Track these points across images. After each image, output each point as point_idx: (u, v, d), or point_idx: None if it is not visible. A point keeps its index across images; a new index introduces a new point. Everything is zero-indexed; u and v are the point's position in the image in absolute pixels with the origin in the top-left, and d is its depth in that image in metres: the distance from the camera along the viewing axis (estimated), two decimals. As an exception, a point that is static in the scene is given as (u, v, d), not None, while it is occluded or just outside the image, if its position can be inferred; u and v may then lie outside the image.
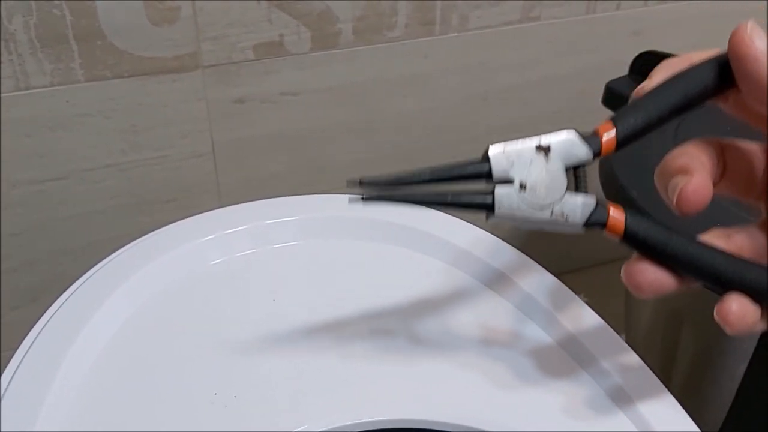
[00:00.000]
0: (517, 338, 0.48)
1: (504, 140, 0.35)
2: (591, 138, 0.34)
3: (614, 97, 0.74)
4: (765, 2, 0.79)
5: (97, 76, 0.70)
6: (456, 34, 0.81)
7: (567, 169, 0.34)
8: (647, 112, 0.35)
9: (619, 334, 0.47)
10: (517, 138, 0.34)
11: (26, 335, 0.46)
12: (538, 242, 1.04)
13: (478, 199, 0.34)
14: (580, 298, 0.50)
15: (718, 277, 0.34)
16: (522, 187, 0.34)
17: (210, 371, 0.45)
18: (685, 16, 0.88)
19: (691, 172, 0.34)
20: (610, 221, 0.34)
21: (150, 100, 0.73)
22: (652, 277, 0.34)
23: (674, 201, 0.34)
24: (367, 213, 0.55)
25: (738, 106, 0.36)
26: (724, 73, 0.35)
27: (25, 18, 0.65)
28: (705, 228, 0.37)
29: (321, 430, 0.42)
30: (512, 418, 0.43)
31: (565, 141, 0.34)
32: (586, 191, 0.35)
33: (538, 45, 0.86)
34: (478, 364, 0.46)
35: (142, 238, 0.52)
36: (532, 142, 0.34)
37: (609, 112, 0.72)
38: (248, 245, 0.53)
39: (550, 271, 0.51)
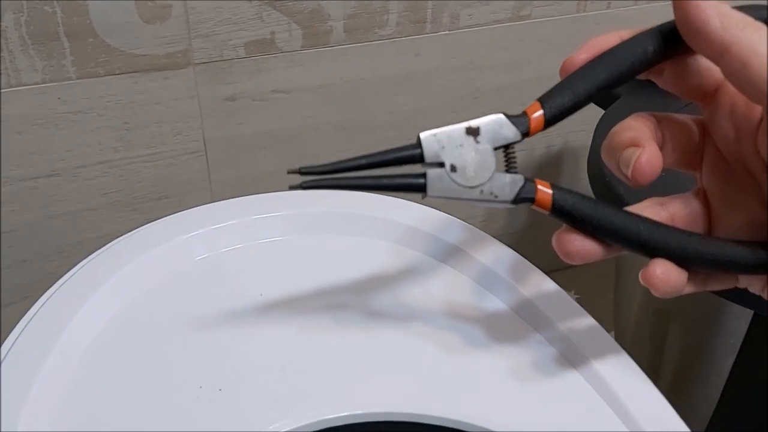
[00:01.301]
0: (498, 327, 0.48)
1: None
2: (519, 119, 0.36)
3: (604, 96, 0.75)
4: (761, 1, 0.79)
5: (89, 73, 0.70)
6: (447, 33, 0.82)
7: (497, 149, 0.36)
8: (574, 90, 0.36)
9: (608, 332, 0.48)
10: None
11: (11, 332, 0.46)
12: (529, 240, 1.05)
13: (411, 181, 0.35)
14: (571, 295, 0.50)
15: (643, 244, 0.36)
16: (452, 168, 0.35)
17: (196, 365, 0.45)
18: (675, 15, 0.88)
19: (642, 144, 0.36)
20: (538, 196, 0.36)
21: (142, 98, 0.73)
22: (579, 245, 0.36)
23: (629, 173, 0.35)
24: (353, 209, 0.55)
25: (672, 79, 0.38)
26: (658, 46, 0.36)
27: (15, 15, 0.65)
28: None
29: (307, 422, 0.42)
30: (502, 416, 0.43)
31: (493, 122, 0.36)
32: (515, 170, 0.36)
33: (528, 44, 0.86)
34: (470, 359, 0.46)
35: (129, 233, 0.52)
36: (462, 126, 0.36)
37: (599, 111, 0.72)
38: (235, 240, 0.53)
39: (540, 269, 0.51)
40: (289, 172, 0.35)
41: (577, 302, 0.49)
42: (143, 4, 0.68)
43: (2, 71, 0.67)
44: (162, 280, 0.50)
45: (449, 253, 0.53)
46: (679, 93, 0.38)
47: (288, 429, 0.41)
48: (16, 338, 0.44)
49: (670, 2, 0.35)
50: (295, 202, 0.55)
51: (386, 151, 0.36)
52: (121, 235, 0.52)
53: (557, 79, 0.37)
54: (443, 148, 0.35)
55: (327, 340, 0.47)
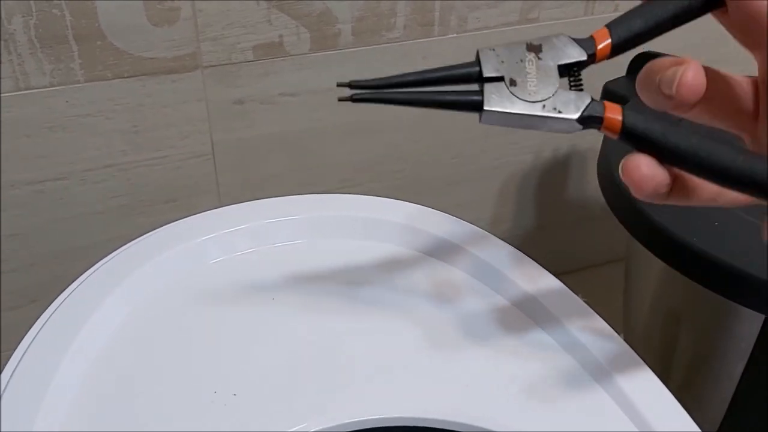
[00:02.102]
0: (509, 329, 0.48)
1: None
2: (585, 41, 0.34)
3: (612, 98, 0.75)
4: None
5: (97, 76, 0.70)
6: (455, 35, 0.82)
7: (562, 69, 0.34)
8: (645, 18, 0.34)
9: (618, 333, 0.48)
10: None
11: (25, 336, 0.46)
12: (537, 243, 1.04)
13: (466, 97, 0.33)
14: (579, 297, 0.50)
15: (725, 170, 0.32)
16: (512, 82, 0.33)
17: (210, 370, 0.45)
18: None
19: (687, 62, 0.33)
20: (607, 115, 0.33)
21: (150, 101, 0.73)
22: (651, 171, 0.33)
23: (673, 90, 0.33)
24: (367, 213, 0.55)
25: (735, 23, 0.36)
26: None
27: (24, 18, 0.65)
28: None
29: (320, 428, 0.42)
30: (512, 418, 0.43)
31: (556, 40, 0.34)
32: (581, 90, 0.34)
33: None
34: (481, 362, 0.46)
35: (143, 236, 0.52)
36: (522, 42, 0.34)
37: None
38: (249, 244, 0.53)
39: (549, 271, 0.51)
40: (338, 85, 0.33)
41: (588, 306, 0.49)
42: (152, 7, 0.68)
43: (11, 74, 0.67)
44: (176, 283, 0.50)
45: (461, 257, 0.53)
46: (739, 38, 0.36)
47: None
48: (31, 342, 0.44)
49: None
50: (309, 205, 0.55)
51: (441, 68, 0.34)
52: (128, 238, 0.53)
53: None
54: (502, 62, 0.33)
55: (339, 344, 0.47)
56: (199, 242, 0.52)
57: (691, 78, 0.33)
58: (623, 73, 0.78)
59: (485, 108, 0.33)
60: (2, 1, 0.63)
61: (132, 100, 0.73)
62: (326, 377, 0.45)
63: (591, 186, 1.01)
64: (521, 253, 0.53)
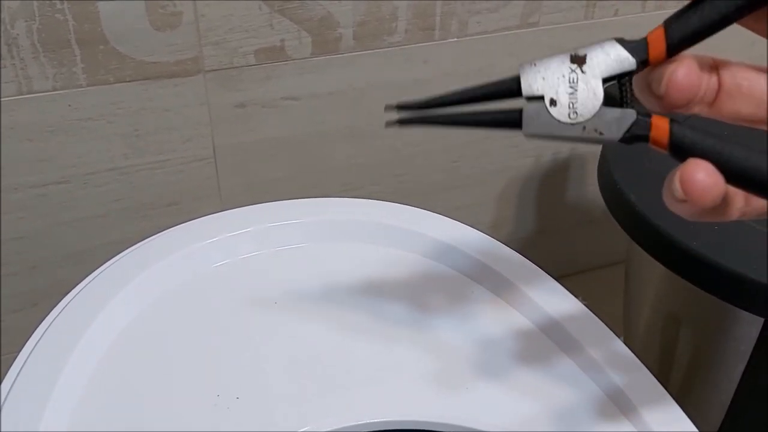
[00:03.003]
0: (510, 333, 0.49)
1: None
2: (636, 45, 0.32)
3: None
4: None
5: (100, 80, 0.70)
6: (455, 40, 0.82)
7: (610, 80, 0.32)
8: (704, 10, 0.31)
9: (617, 336, 0.48)
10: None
11: (27, 339, 0.46)
12: (538, 246, 1.05)
13: (505, 117, 0.32)
14: (579, 300, 0.50)
15: None
16: (552, 102, 0.32)
17: (212, 373, 0.45)
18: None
19: (680, 60, 0.31)
20: (653, 133, 0.31)
21: (152, 105, 0.74)
22: (711, 180, 0.30)
23: (662, 89, 0.31)
24: (369, 216, 0.55)
25: None
26: None
27: (27, 22, 0.65)
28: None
29: (323, 430, 0.42)
30: (512, 419, 0.43)
31: (603, 49, 0.32)
32: (631, 104, 0.32)
33: (536, 51, 0.86)
34: (481, 364, 0.46)
35: (146, 240, 0.52)
36: (566, 54, 0.32)
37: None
38: (252, 247, 0.53)
39: (549, 275, 0.52)
40: (385, 109, 0.33)
41: (587, 308, 0.50)
42: (154, 11, 0.68)
43: (14, 78, 0.67)
44: (179, 286, 0.51)
45: (461, 260, 0.53)
46: None
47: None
48: (35, 345, 0.45)
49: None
50: (311, 209, 0.56)
51: (483, 85, 0.33)
52: (130, 242, 0.53)
53: None
54: (543, 79, 0.32)
55: (341, 347, 0.47)
56: (201, 246, 0.52)
57: (682, 77, 0.31)
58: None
59: (523, 130, 0.32)
60: (6, 5, 0.64)
61: (134, 104, 0.73)
62: (328, 380, 0.45)
63: (591, 189, 1.02)
64: (522, 256, 0.53)
